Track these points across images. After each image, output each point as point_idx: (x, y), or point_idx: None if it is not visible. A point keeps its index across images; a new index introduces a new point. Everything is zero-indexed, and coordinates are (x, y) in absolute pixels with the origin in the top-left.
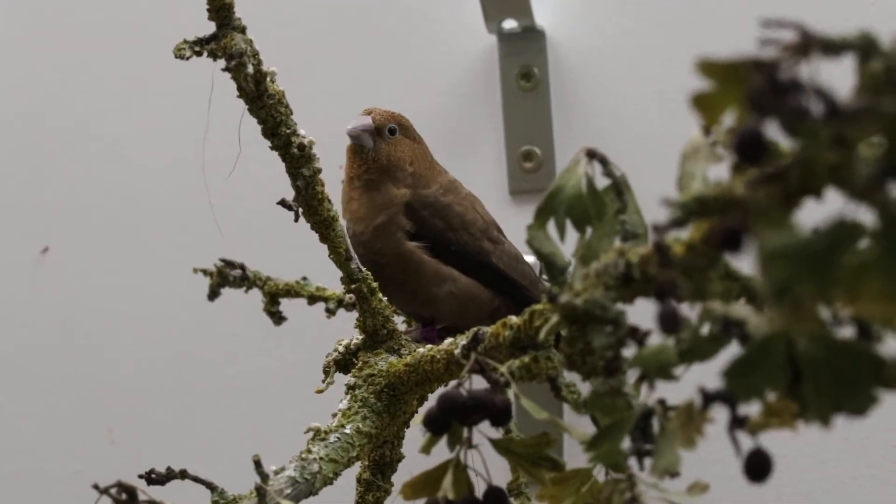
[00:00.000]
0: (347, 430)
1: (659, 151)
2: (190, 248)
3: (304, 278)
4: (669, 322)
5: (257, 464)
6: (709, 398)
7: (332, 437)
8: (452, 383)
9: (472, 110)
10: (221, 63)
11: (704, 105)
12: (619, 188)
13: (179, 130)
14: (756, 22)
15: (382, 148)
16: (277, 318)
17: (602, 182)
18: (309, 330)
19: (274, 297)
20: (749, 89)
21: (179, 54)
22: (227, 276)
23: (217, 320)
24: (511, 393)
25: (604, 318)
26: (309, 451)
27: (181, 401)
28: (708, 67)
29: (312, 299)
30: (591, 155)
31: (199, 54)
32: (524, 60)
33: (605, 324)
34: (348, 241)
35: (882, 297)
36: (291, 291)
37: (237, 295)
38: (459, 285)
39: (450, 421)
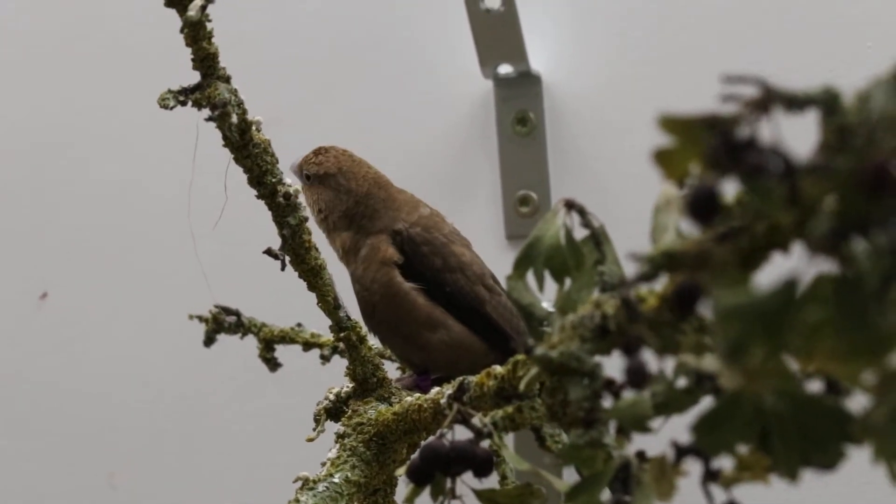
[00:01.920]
0: (336, 479)
1: (656, 196)
2: (188, 292)
3: (299, 325)
4: (636, 377)
5: None
6: (681, 451)
7: (321, 486)
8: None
9: (468, 154)
10: (206, 112)
11: (666, 161)
12: (598, 239)
13: (176, 175)
14: (749, 65)
15: (305, 192)
16: (272, 364)
17: (582, 233)
18: (305, 374)
19: (269, 344)
20: (706, 147)
21: (164, 104)
22: (222, 323)
23: (216, 365)
24: (493, 444)
25: (579, 371)
26: (297, 501)
27: (182, 445)
28: (668, 123)
29: (307, 346)
30: (570, 205)
31: (183, 104)
32: (520, 105)
33: (581, 376)
34: (336, 289)
35: (836, 356)
36: (286, 338)
37: (234, 340)
38: (453, 334)
39: (432, 471)
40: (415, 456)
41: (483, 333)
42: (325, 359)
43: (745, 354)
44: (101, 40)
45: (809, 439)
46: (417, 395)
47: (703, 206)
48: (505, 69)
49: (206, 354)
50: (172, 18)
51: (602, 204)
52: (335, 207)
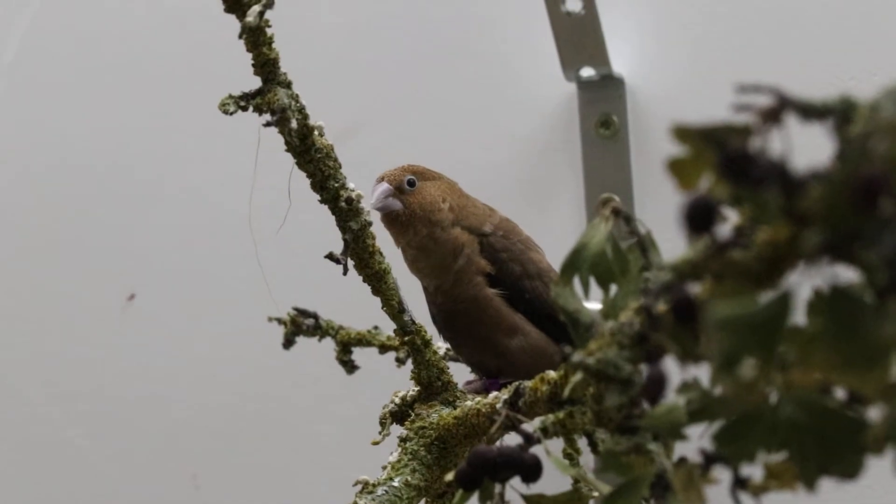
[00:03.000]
0: (396, 483)
1: None
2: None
3: (376, 327)
4: (653, 387)
5: None
6: (710, 459)
7: (380, 490)
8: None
9: (551, 158)
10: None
11: (679, 170)
12: (644, 246)
13: (263, 176)
14: (828, 68)
15: (411, 201)
16: (350, 367)
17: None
18: (388, 375)
19: (346, 347)
20: (717, 157)
21: (224, 109)
22: (300, 325)
23: (300, 366)
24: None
25: (616, 378)
26: None
27: (263, 446)
28: (681, 133)
29: (384, 348)
30: (617, 212)
31: (244, 109)
32: (603, 108)
33: (618, 383)
34: (400, 293)
35: (829, 367)
36: (363, 340)
37: (314, 342)
38: (531, 339)
39: (481, 477)
40: (463, 462)
41: (560, 339)
42: (400, 361)
43: (738, 365)
44: (165, 53)
45: (827, 449)
46: (477, 399)
47: (699, 217)
48: (587, 72)
49: (287, 356)
50: (234, 24)
51: None
52: (451, 190)
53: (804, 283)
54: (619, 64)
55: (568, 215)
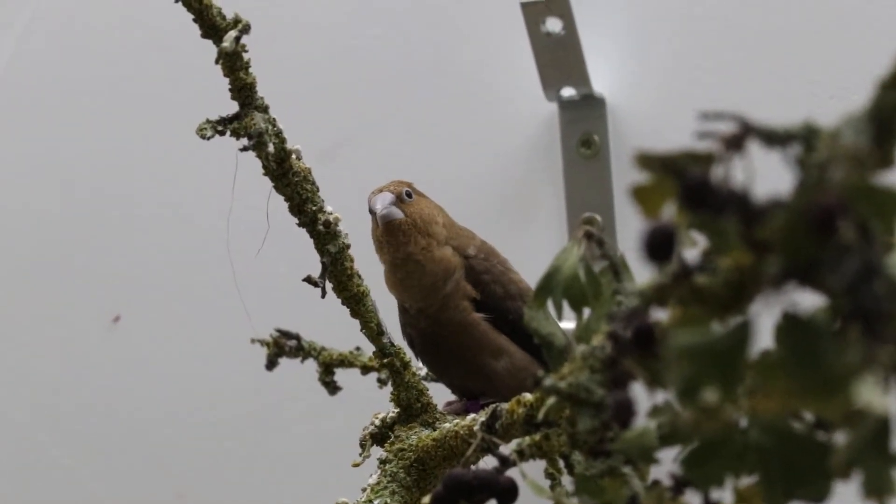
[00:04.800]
0: None
1: None
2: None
3: (358, 348)
4: (621, 413)
5: None
6: (680, 483)
7: None
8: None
9: (532, 177)
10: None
11: (643, 198)
12: (616, 269)
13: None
14: (807, 86)
15: (411, 211)
16: (332, 387)
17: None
18: (371, 396)
19: (328, 368)
20: (679, 185)
21: (201, 134)
22: (283, 347)
23: (285, 386)
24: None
25: (588, 402)
26: None
27: (248, 466)
28: (644, 160)
29: (366, 369)
30: (589, 236)
31: (221, 133)
32: (584, 127)
33: (589, 406)
34: (379, 315)
35: (787, 395)
36: (345, 362)
37: (298, 363)
38: (515, 360)
39: (456, 500)
40: (439, 485)
41: (540, 357)
42: (382, 382)
43: (698, 393)
44: (149, 74)
45: (794, 473)
46: (455, 420)
47: (658, 246)
48: (568, 92)
49: (272, 376)
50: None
51: None
52: (440, 210)
53: (768, 310)
54: (600, 84)
55: (549, 234)
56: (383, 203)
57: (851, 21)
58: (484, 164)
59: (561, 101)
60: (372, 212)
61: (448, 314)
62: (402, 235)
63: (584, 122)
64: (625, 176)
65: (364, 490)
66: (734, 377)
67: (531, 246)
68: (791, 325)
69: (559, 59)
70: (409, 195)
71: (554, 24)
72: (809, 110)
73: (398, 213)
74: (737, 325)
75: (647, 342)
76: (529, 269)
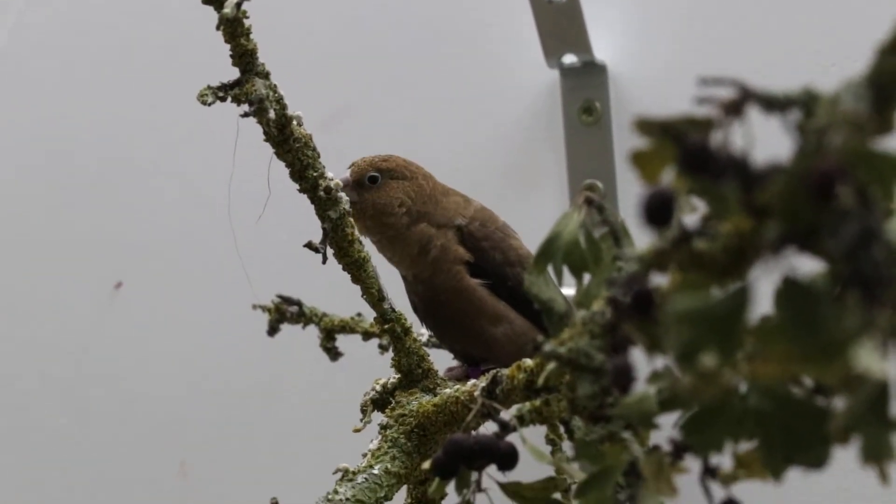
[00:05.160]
0: (376, 471)
1: None
2: (255, 281)
3: (359, 314)
4: (620, 378)
5: None
6: (679, 449)
7: (360, 478)
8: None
9: (534, 144)
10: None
11: (642, 163)
12: (617, 234)
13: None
14: (810, 54)
15: (367, 198)
16: (333, 353)
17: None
18: (373, 362)
19: (330, 334)
20: (679, 151)
21: (202, 100)
22: (284, 313)
23: (287, 353)
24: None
25: (588, 367)
26: (336, 492)
27: (250, 434)
28: (644, 125)
29: (367, 335)
30: (590, 202)
31: (222, 100)
32: (586, 94)
33: (589, 372)
34: (380, 281)
35: (786, 360)
36: (346, 327)
37: (300, 329)
38: (515, 326)
39: (456, 465)
40: (439, 450)
41: (540, 324)
42: (383, 348)
43: (697, 358)
44: (149, 43)
45: (793, 439)
46: (456, 386)
47: (656, 210)
48: (570, 59)
49: (274, 343)
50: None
51: None
52: (415, 199)
53: (768, 275)
54: (602, 51)
55: (551, 201)
56: (343, 179)
57: None
58: (485, 131)
59: (562, 68)
60: None
61: (441, 279)
62: (357, 219)
63: (585, 90)
64: (626, 143)
65: (365, 455)
66: (733, 342)
67: (533, 213)
68: (790, 290)
69: (560, 27)
70: (372, 180)
71: None
72: (811, 78)
73: (352, 196)
74: (736, 289)
75: (647, 307)
76: (531, 236)
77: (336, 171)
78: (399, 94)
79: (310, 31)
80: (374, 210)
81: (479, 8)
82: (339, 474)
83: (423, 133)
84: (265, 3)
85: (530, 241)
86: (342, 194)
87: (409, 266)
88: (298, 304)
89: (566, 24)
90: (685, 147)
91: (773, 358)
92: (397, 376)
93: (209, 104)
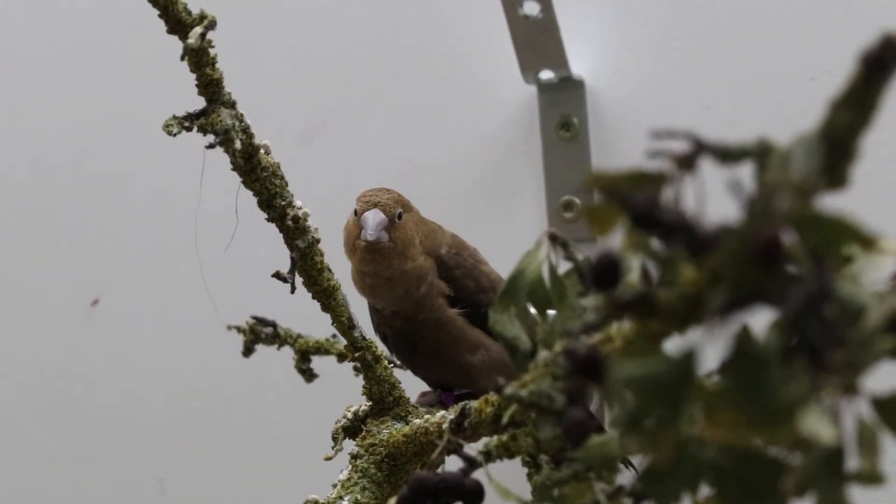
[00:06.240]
0: (345, 502)
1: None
2: (231, 301)
3: (334, 336)
4: (573, 432)
5: None
6: (639, 497)
7: None
8: (439, 459)
9: (512, 160)
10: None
11: (595, 218)
12: (581, 272)
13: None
14: (788, 68)
15: (396, 236)
16: (309, 375)
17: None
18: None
19: (305, 355)
20: (628, 207)
21: (168, 130)
22: (259, 334)
23: (264, 372)
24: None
25: (549, 410)
26: None
27: (228, 451)
28: (596, 180)
29: (341, 357)
30: (554, 238)
31: (188, 129)
32: (563, 110)
33: (551, 414)
34: (350, 309)
35: (734, 426)
36: (321, 349)
37: (275, 349)
38: (492, 353)
39: (422, 502)
40: (405, 488)
41: None
42: (358, 370)
43: (641, 424)
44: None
45: (749, 491)
46: (426, 417)
47: (605, 274)
48: (546, 75)
49: (249, 363)
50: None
51: None
52: (422, 224)
53: (715, 339)
54: (579, 66)
55: (529, 216)
56: (376, 227)
57: (833, 3)
58: (463, 146)
59: (539, 83)
60: (358, 216)
61: (424, 314)
62: (381, 258)
63: (562, 105)
64: (604, 158)
65: (335, 486)
66: (679, 409)
67: (511, 228)
68: (736, 356)
69: (537, 42)
70: (399, 217)
71: (531, 7)
72: (790, 93)
73: (385, 238)
74: (682, 355)
75: (593, 372)
76: (509, 252)
77: (314, 183)
78: (375, 109)
79: (287, 45)
80: (403, 245)
81: (455, 24)
82: None
83: (399, 148)
84: (242, 16)
85: (507, 256)
86: (310, 223)
87: (397, 303)
88: (273, 325)
89: (543, 39)
90: (633, 206)
91: (722, 424)
92: (368, 403)
93: (174, 134)
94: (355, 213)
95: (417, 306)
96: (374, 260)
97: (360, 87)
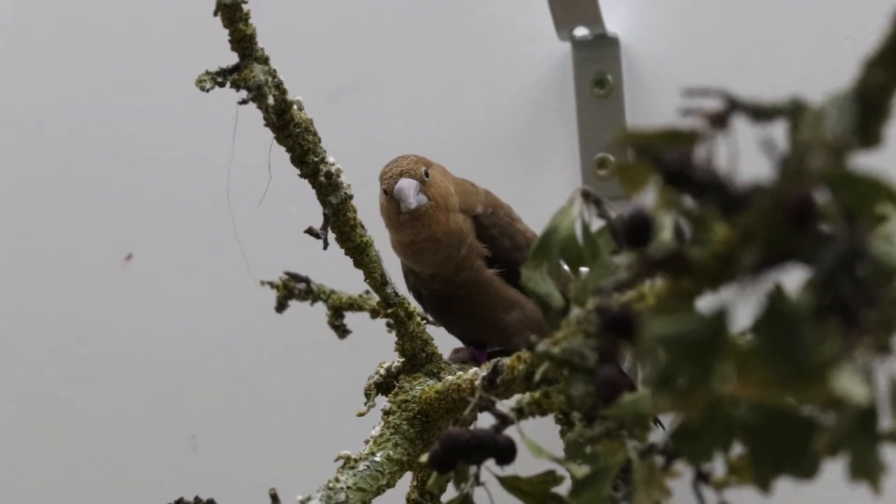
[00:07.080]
0: (378, 458)
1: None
2: (264, 258)
3: (367, 292)
4: (605, 390)
5: (274, 498)
6: (670, 454)
7: (362, 466)
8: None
9: (546, 117)
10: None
11: (628, 176)
12: (614, 229)
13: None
14: (824, 27)
15: (433, 193)
16: (341, 331)
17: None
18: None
19: (337, 311)
20: (661, 165)
21: (200, 86)
22: (292, 290)
23: (297, 328)
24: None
25: (582, 367)
26: (337, 480)
27: (260, 408)
28: (628, 138)
29: (374, 313)
30: (587, 196)
31: (221, 85)
32: (597, 67)
33: (583, 372)
34: (383, 265)
35: (766, 384)
36: (354, 305)
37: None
38: (527, 311)
39: (454, 460)
40: (437, 444)
41: None
42: (391, 326)
43: (673, 382)
44: (160, 17)
45: (781, 450)
46: (458, 373)
47: (637, 231)
48: (581, 32)
49: (282, 319)
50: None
51: None
52: (449, 174)
53: (747, 297)
54: (613, 23)
55: (563, 174)
56: (412, 193)
57: None
58: (497, 104)
59: (574, 40)
60: (389, 193)
61: (463, 276)
62: (426, 219)
63: (597, 62)
64: (638, 115)
65: (367, 442)
66: (710, 367)
67: (545, 186)
68: (769, 315)
69: None
70: (427, 174)
71: None
72: (824, 52)
73: (424, 200)
74: (713, 313)
75: (625, 330)
76: (543, 210)
77: (344, 144)
78: (409, 67)
79: (318, 3)
80: (442, 198)
81: None
82: (341, 462)
83: (432, 107)
84: None
85: (541, 214)
86: (343, 179)
87: (438, 266)
88: (306, 280)
89: None
90: (665, 164)
91: (753, 382)
92: (401, 360)
93: (207, 90)
94: (384, 192)
95: (457, 269)
96: (423, 225)
97: (393, 44)
